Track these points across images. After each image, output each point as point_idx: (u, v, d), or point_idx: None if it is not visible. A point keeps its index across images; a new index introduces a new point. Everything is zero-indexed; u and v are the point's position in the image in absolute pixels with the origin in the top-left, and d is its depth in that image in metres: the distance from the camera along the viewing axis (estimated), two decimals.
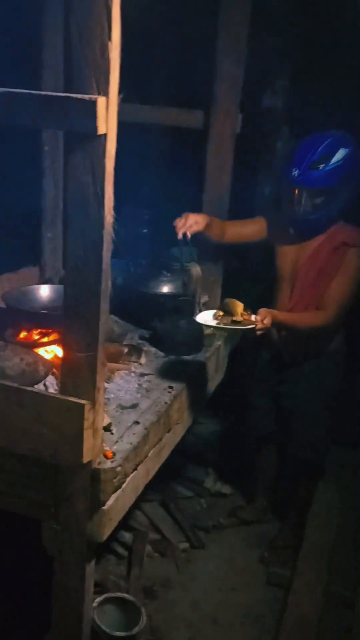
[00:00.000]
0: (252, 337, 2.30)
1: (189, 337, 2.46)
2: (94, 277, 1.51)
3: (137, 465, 1.91)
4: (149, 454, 2.00)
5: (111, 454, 1.78)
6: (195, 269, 2.56)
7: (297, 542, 2.64)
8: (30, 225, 2.95)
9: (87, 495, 1.69)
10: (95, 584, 2.12)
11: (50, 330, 2.29)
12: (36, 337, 2.31)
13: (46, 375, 2.06)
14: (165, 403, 2.12)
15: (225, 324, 2.13)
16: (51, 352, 2.24)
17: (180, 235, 2.34)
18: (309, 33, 3.14)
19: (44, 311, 2.44)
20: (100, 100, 1.35)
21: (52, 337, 2.27)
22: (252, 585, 2.57)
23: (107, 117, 1.38)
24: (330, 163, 2.24)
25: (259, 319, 2.12)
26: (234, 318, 2.13)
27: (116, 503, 1.78)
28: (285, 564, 2.61)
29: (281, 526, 2.84)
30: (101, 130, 1.37)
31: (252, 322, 2.12)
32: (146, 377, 2.25)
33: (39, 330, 2.31)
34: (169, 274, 2.66)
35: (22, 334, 2.32)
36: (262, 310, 2.17)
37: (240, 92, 2.40)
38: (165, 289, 2.62)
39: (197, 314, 2.28)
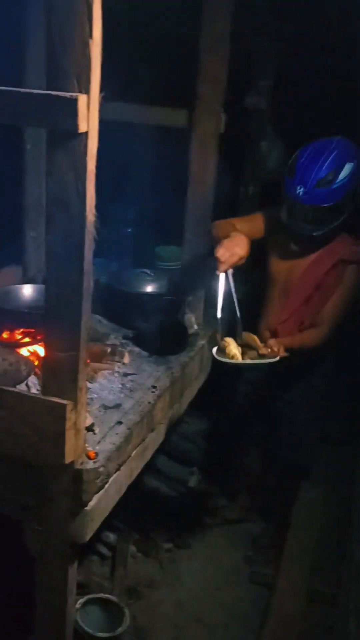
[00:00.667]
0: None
1: (173, 336, 2.46)
2: (76, 276, 1.50)
3: (120, 465, 1.90)
4: (132, 454, 1.99)
5: (94, 454, 1.77)
6: None
7: (282, 541, 2.64)
8: (13, 224, 2.93)
9: (69, 496, 1.68)
10: (79, 585, 2.11)
11: (33, 330, 2.27)
12: (19, 337, 2.29)
13: (28, 376, 2.04)
14: (149, 403, 2.11)
15: (253, 359, 2.16)
16: (34, 352, 2.22)
17: (222, 271, 2.09)
18: (293, 34, 3.14)
19: (26, 311, 2.43)
20: (82, 98, 1.34)
21: (34, 337, 2.26)
22: (236, 585, 2.58)
23: (89, 115, 1.38)
24: (338, 180, 2.17)
25: (276, 350, 2.15)
26: (261, 352, 2.16)
27: (99, 503, 1.77)
28: (269, 563, 2.61)
29: (265, 525, 2.84)
30: (82, 128, 1.37)
31: (274, 354, 2.15)
32: (130, 377, 2.24)
33: (21, 330, 2.30)
34: (152, 274, 2.65)
35: (5, 334, 2.30)
36: (273, 342, 2.18)
37: (224, 92, 2.39)
38: (149, 289, 2.62)
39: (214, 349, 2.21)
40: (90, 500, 1.72)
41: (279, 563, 2.52)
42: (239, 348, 2.17)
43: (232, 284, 2.14)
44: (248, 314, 2.45)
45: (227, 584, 2.58)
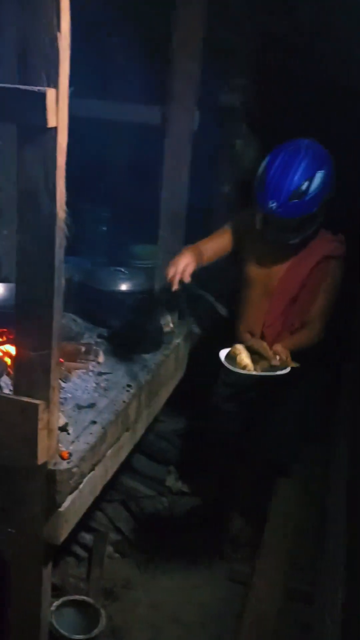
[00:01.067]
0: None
1: (148, 335, 2.44)
2: (46, 274, 1.48)
3: (95, 465, 1.88)
4: (107, 454, 1.98)
5: (67, 455, 1.74)
6: None
7: (259, 539, 2.64)
8: None
9: (42, 497, 1.66)
10: (54, 587, 2.09)
11: (5, 330, 2.24)
12: None
13: (1, 375, 2.02)
14: (124, 402, 2.09)
15: (264, 370, 2.07)
16: (6, 351, 2.19)
17: (176, 286, 2.15)
18: (267, 31, 3.14)
19: None
20: (50, 93, 1.33)
21: (7, 337, 2.22)
22: (213, 583, 2.57)
23: (58, 110, 1.36)
24: (311, 191, 2.13)
25: (285, 358, 2.06)
26: (273, 363, 2.06)
27: (73, 504, 1.75)
28: (246, 561, 2.61)
29: (243, 523, 2.84)
30: (51, 123, 1.35)
31: (285, 363, 2.06)
32: (104, 376, 2.22)
33: None
34: (127, 272, 2.63)
35: None
36: (279, 348, 2.08)
37: (197, 89, 2.38)
38: (124, 287, 2.60)
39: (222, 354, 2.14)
40: (63, 501, 1.70)
41: (255, 561, 2.52)
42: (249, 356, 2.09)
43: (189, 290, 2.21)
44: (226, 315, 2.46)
45: (204, 582, 2.57)
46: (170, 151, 2.44)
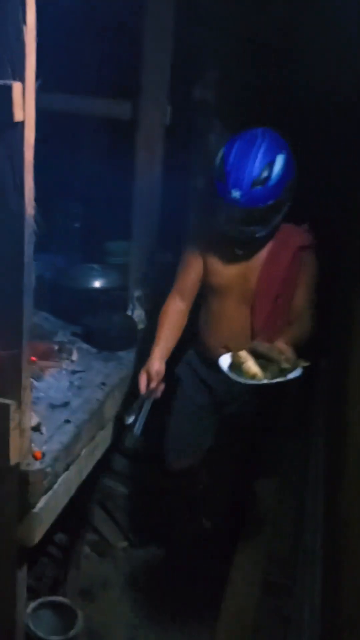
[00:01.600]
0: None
1: (122, 332, 2.42)
2: (15, 271, 1.45)
3: (69, 465, 1.86)
4: (82, 453, 1.95)
5: (40, 455, 1.72)
6: None
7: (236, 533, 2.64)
8: None
9: (15, 498, 1.63)
10: (30, 589, 2.07)
11: None
12: None
13: None
14: (98, 400, 2.07)
15: (274, 376, 1.82)
16: None
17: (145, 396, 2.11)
18: (238, 24, 3.13)
19: None
20: (16, 86, 1.30)
21: None
22: (192, 581, 2.56)
23: (24, 104, 1.33)
24: (273, 176, 2.02)
25: (292, 356, 1.86)
26: (283, 366, 1.82)
27: (47, 505, 1.73)
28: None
29: (219, 519, 2.83)
30: (18, 117, 1.32)
31: (295, 364, 1.83)
32: (78, 375, 2.20)
33: None
34: (100, 269, 2.60)
35: None
36: (284, 347, 1.88)
37: (168, 83, 2.36)
38: (97, 284, 2.58)
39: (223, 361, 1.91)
40: (37, 502, 1.68)
41: (233, 555, 2.52)
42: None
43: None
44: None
45: (183, 580, 2.56)
46: (142, 146, 2.42)
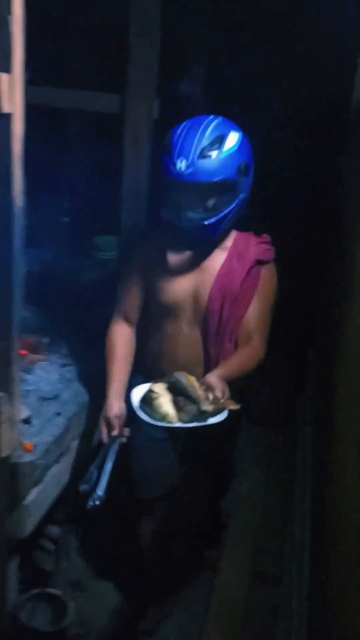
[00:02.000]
0: None
1: None
2: (4, 265, 1.45)
3: (59, 457, 1.87)
4: (72, 445, 1.96)
5: (31, 447, 1.73)
6: None
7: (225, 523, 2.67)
8: None
9: (5, 490, 1.64)
10: (21, 581, 2.07)
11: None
12: None
13: None
14: (88, 393, 2.08)
15: (191, 417, 1.57)
16: None
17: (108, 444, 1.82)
18: (224, 18, 3.14)
19: None
20: (3, 78, 1.29)
21: None
22: (182, 571, 2.58)
23: (12, 96, 1.33)
24: (224, 149, 1.79)
25: (220, 395, 1.61)
26: (203, 407, 1.58)
27: (37, 497, 1.74)
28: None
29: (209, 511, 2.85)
30: (5, 109, 1.32)
31: (220, 406, 1.59)
32: (68, 368, 2.21)
33: None
34: (89, 263, 2.61)
35: None
36: (214, 381, 1.65)
37: (156, 77, 2.36)
38: (86, 278, 2.58)
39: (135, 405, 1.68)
40: (27, 494, 1.69)
41: (222, 545, 2.54)
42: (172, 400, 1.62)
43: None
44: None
45: (171, 571, 2.58)
46: (130, 140, 2.42)
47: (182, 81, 3.05)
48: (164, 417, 1.61)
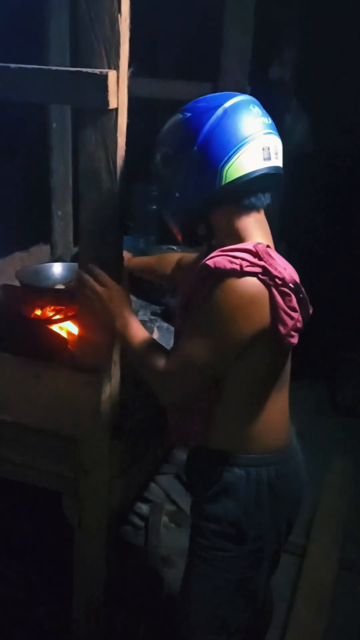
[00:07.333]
0: None
1: None
2: (109, 251, 1.53)
3: (151, 438, 1.94)
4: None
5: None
6: None
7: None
8: (40, 203, 2.96)
9: (105, 466, 1.72)
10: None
11: (64, 307, 2.31)
12: (50, 314, 2.33)
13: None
14: None
15: None
16: (65, 329, 2.26)
17: None
18: (317, 2, 3.09)
19: (61, 286, 2.46)
20: (111, 74, 1.35)
21: (65, 314, 2.29)
22: None
23: (118, 91, 1.39)
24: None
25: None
26: None
27: (133, 474, 1.82)
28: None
29: None
30: (112, 104, 1.38)
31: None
32: None
33: (53, 307, 2.33)
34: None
35: (37, 311, 2.34)
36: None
37: (248, 64, 2.37)
38: None
39: None
40: (125, 470, 1.77)
41: (309, 530, 2.55)
42: None
43: None
44: None
45: None
46: None
47: (273, 66, 3.03)
48: None
